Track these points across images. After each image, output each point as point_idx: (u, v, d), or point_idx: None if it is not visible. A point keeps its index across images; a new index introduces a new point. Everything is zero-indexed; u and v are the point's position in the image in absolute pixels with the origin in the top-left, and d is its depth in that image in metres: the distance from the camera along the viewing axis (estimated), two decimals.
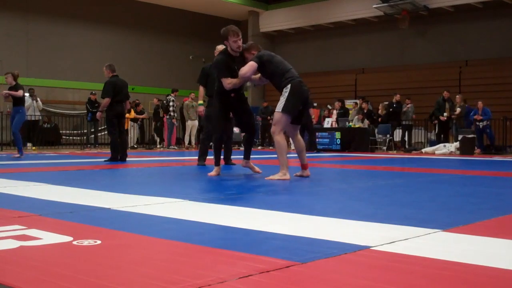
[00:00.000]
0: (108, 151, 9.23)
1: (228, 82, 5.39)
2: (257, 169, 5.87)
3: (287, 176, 5.11)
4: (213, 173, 5.64)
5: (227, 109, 5.74)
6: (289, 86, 5.09)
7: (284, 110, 5.09)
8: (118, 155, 8.45)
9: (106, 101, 8.35)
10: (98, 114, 8.85)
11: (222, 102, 5.64)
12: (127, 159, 8.64)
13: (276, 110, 5.18)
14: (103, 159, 8.82)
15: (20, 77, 17.03)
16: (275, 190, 4.34)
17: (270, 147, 16.63)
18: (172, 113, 16.22)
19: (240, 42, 5.44)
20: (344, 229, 2.48)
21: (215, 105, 5.72)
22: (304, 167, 5.43)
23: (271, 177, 5.17)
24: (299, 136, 5.53)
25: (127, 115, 16.00)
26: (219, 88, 5.57)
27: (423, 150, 14.27)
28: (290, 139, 5.72)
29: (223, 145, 6.39)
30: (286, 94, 5.08)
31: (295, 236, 2.29)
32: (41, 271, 1.72)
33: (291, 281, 1.62)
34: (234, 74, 5.40)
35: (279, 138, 5.17)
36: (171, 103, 16.15)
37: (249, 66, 5.21)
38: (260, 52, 5.38)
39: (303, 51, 21.24)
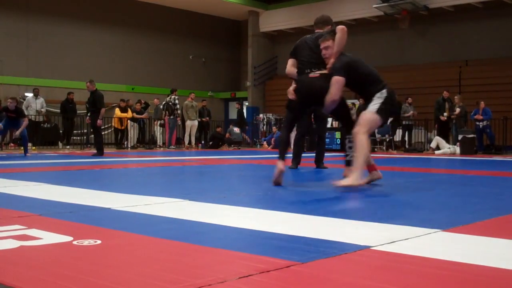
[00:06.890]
0: (106, 150, 11.60)
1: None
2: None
3: (361, 181, 4.18)
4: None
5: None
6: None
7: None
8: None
9: (103, 110, 10.76)
10: (99, 122, 10.74)
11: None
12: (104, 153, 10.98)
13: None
14: (103, 159, 8.93)
15: (20, 77, 17.26)
16: (274, 190, 4.34)
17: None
18: (176, 113, 16.24)
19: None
20: (344, 229, 2.47)
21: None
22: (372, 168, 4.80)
23: (342, 182, 4.14)
24: None
25: (125, 114, 16.22)
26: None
27: (432, 145, 14.26)
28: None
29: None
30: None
31: (295, 236, 2.28)
32: (41, 271, 1.72)
33: (291, 281, 1.62)
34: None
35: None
36: (176, 102, 16.15)
37: (336, 84, 4.58)
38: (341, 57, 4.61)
39: None
